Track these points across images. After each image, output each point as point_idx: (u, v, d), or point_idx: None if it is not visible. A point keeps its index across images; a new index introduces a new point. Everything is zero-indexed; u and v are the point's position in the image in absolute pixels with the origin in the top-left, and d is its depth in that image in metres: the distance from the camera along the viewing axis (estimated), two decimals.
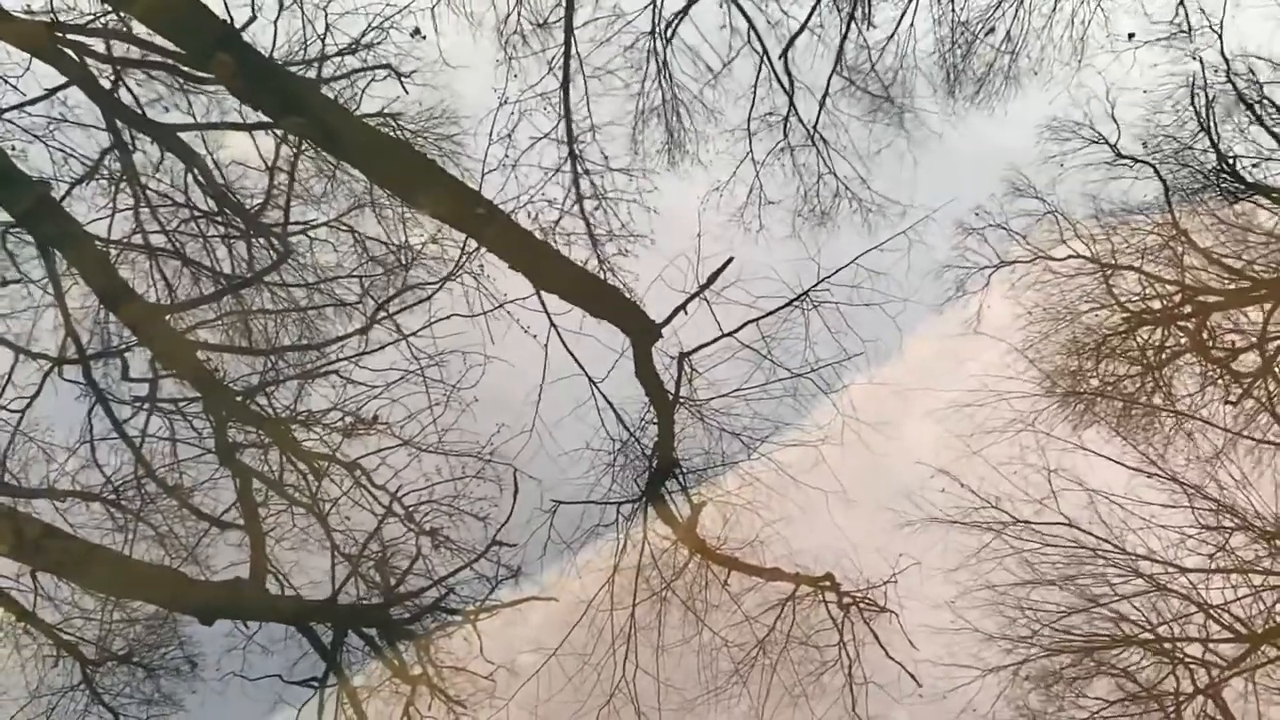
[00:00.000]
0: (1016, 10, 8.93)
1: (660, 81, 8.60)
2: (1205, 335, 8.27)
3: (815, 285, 7.99)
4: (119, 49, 7.82)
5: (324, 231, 8.16)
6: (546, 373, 7.81)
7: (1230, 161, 8.36)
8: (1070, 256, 8.50)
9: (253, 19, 7.70)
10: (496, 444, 7.77)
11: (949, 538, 7.73)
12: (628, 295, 8.06)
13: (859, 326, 7.97)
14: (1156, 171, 8.44)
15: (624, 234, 8.16)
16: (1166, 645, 7.38)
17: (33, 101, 7.65)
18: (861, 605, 7.64)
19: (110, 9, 7.59)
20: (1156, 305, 8.39)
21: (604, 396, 7.90)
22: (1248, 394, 8.00)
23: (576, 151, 8.23)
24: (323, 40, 8.07)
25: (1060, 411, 8.15)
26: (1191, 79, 8.44)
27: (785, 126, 8.76)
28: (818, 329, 7.99)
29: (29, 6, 7.49)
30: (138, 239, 8.01)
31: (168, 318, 7.87)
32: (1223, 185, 8.36)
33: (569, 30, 8.25)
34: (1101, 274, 8.42)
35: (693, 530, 7.95)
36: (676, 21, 8.59)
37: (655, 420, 8.11)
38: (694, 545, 7.88)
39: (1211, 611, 7.33)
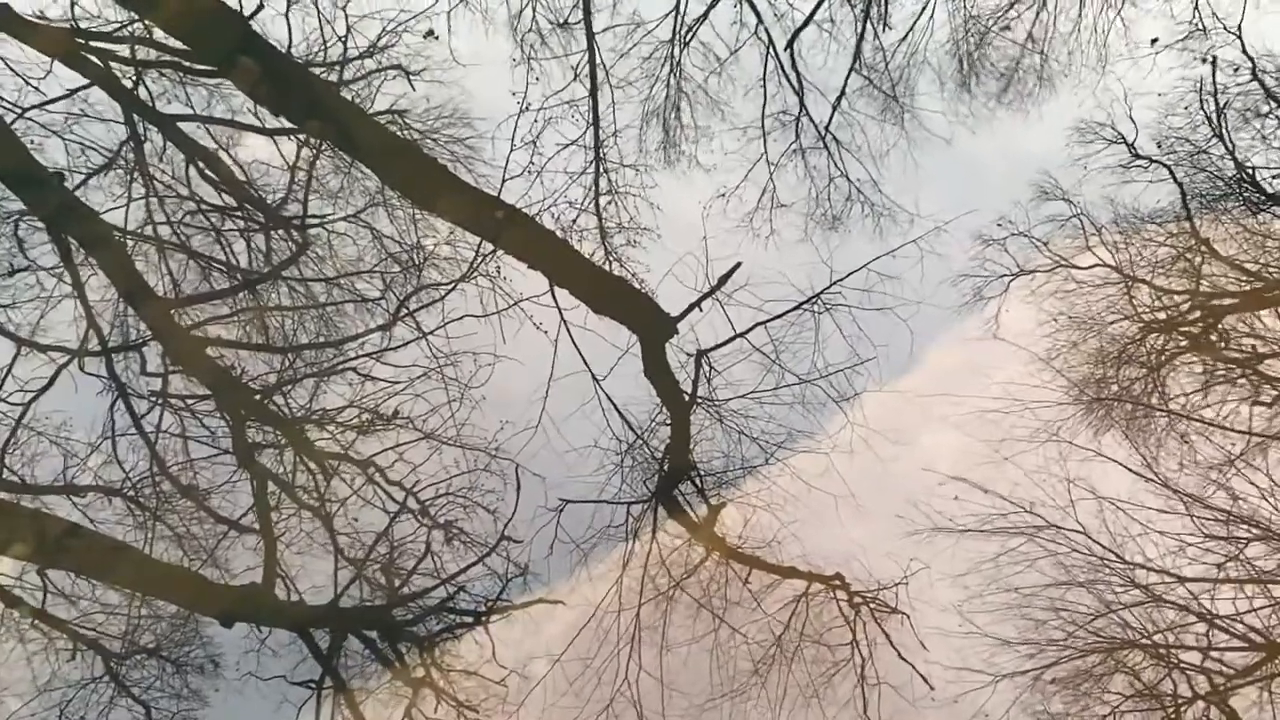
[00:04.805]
0: (1044, 16, 8.82)
1: (669, 81, 8.58)
2: (1217, 338, 8.24)
3: (827, 288, 7.95)
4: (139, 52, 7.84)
5: (342, 226, 8.24)
6: (555, 370, 7.82)
7: (1251, 170, 8.26)
8: (1096, 265, 8.51)
9: (260, 8, 7.60)
10: (501, 441, 7.86)
11: (960, 544, 7.75)
12: (641, 289, 8.05)
13: (876, 333, 7.95)
14: (1171, 174, 8.40)
15: (632, 226, 8.17)
16: (1162, 651, 7.39)
17: (54, 100, 7.68)
18: (872, 605, 7.65)
19: (131, 16, 7.61)
20: (1176, 315, 8.39)
21: (607, 396, 7.89)
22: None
23: (601, 154, 8.23)
24: (344, 43, 8.10)
25: (1082, 419, 8.17)
26: (1200, 81, 8.35)
27: (797, 127, 8.69)
28: (833, 334, 7.99)
29: (42, 12, 7.49)
30: (155, 239, 8.07)
31: (187, 316, 7.90)
32: (1245, 195, 8.27)
33: (591, 36, 8.21)
34: (1125, 284, 8.40)
35: (703, 531, 7.97)
36: (696, 26, 8.55)
37: (669, 421, 8.08)
38: (718, 544, 7.90)
39: (1218, 621, 7.31)
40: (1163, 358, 8.33)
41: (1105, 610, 7.53)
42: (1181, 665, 7.30)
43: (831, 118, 8.68)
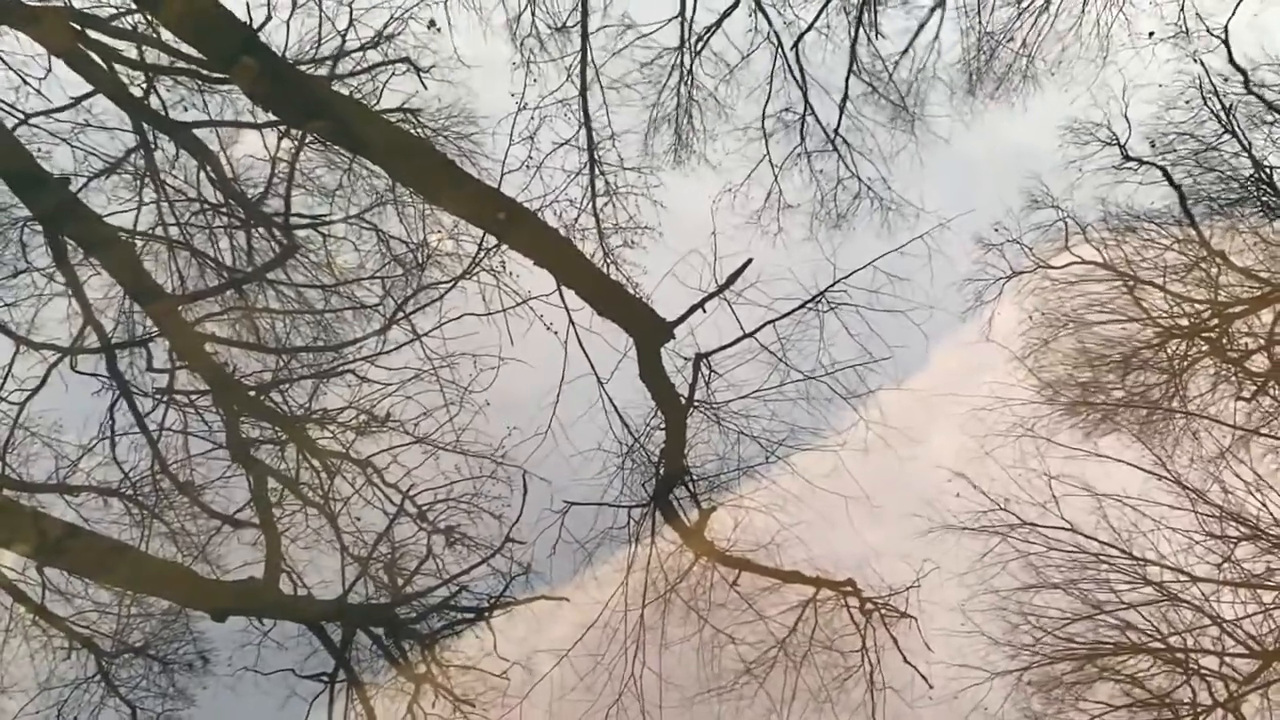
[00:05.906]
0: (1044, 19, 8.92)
1: (680, 89, 8.64)
2: (1225, 340, 8.23)
3: (830, 287, 7.90)
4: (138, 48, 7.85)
5: (341, 229, 8.21)
6: (565, 372, 7.76)
7: (1269, 171, 8.25)
8: (1073, 262, 8.49)
9: (268, 19, 7.69)
10: (508, 446, 7.75)
11: (964, 542, 7.68)
12: (635, 293, 8.02)
13: (882, 332, 7.88)
14: (1167, 176, 8.40)
15: (631, 226, 8.17)
16: (1179, 655, 7.32)
17: (61, 109, 7.68)
18: (884, 611, 7.58)
19: (134, 7, 7.60)
20: (1198, 321, 8.34)
21: (609, 399, 7.83)
22: (1262, 390, 7.93)
23: (596, 157, 8.25)
24: (343, 37, 8.10)
25: (1058, 416, 8.13)
26: (1198, 78, 8.34)
27: (803, 128, 8.73)
28: (839, 332, 7.93)
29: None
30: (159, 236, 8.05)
31: (184, 313, 7.86)
32: (1263, 198, 8.26)
33: (584, 36, 8.29)
34: (1123, 284, 8.41)
35: (705, 534, 7.90)
36: (708, 36, 8.63)
37: (663, 425, 8.01)
38: (708, 549, 7.83)
39: (1225, 625, 7.26)
40: (1181, 361, 8.30)
41: (1121, 606, 7.49)
42: (1203, 671, 7.24)
43: (840, 121, 8.74)
